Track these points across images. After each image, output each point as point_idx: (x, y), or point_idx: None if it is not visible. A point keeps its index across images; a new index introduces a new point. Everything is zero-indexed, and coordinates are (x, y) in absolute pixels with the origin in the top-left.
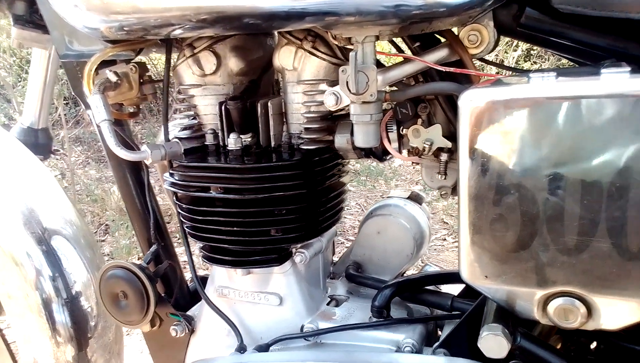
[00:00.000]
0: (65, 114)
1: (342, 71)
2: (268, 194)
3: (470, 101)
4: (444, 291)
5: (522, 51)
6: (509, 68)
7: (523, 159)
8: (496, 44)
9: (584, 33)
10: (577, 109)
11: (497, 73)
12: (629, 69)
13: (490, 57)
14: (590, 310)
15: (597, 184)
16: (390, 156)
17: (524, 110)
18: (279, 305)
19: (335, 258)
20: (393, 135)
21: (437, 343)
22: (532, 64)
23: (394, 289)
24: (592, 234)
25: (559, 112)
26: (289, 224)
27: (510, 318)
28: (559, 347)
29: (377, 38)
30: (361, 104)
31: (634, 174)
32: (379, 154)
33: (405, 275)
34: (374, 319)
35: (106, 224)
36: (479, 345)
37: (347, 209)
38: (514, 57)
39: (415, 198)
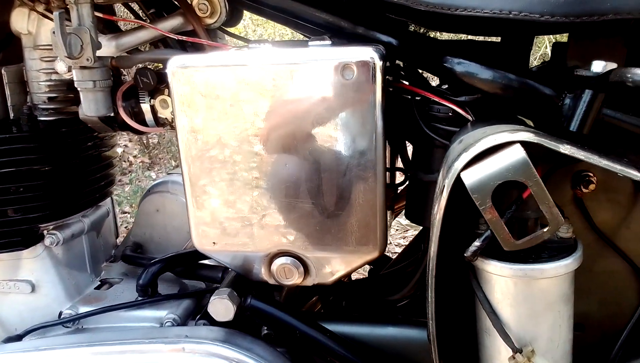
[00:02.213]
0: None
1: (53, 32)
2: None
3: (173, 67)
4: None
5: None
6: (246, 39)
7: (227, 124)
8: (236, 16)
9: (302, 8)
10: (267, 75)
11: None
12: (330, 42)
13: None
14: (306, 267)
15: (294, 149)
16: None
17: (221, 75)
18: (31, 292)
19: None
20: (146, 106)
21: (199, 315)
22: None
23: (161, 266)
24: (295, 196)
25: (252, 78)
26: (29, 203)
27: (245, 283)
28: (319, 307)
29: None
30: (81, 70)
31: (322, 137)
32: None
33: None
34: (140, 298)
35: None
36: (208, 310)
37: None
38: None
39: None
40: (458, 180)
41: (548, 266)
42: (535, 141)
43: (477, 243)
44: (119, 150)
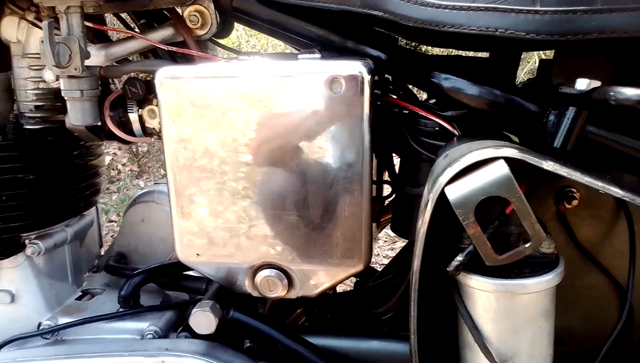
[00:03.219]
0: None
1: (41, 41)
2: None
3: (161, 78)
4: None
5: None
6: (236, 51)
7: (214, 135)
8: (227, 28)
9: (293, 22)
10: (255, 87)
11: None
12: (319, 55)
13: None
14: (290, 279)
15: (280, 160)
16: (150, 138)
17: (209, 87)
18: (11, 302)
19: None
20: (134, 116)
21: (181, 328)
22: None
23: (143, 277)
24: (281, 208)
25: (241, 90)
26: (11, 212)
27: (228, 295)
28: (303, 319)
29: (82, 9)
30: (69, 79)
31: (309, 149)
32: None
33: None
34: (122, 310)
35: None
36: (190, 323)
37: None
38: None
39: None
40: (443, 195)
41: (530, 281)
42: (519, 157)
43: (459, 258)
44: (108, 158)
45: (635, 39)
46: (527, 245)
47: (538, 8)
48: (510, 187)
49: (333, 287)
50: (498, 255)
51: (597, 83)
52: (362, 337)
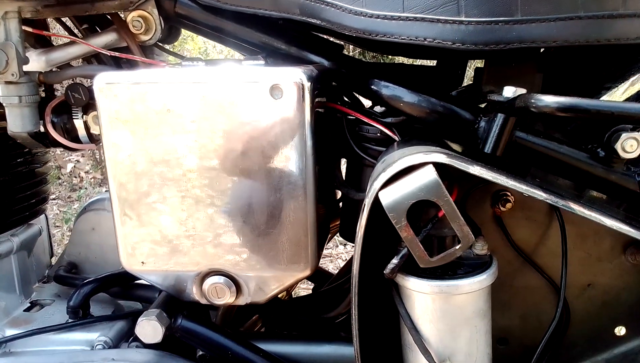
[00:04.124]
0: None
1: None
2: None
3: (100, 83)
4: None
5: None
6: (181, 56)
7: (155, 142)
8: (174, 34)
9: (237, 28)
10: (196, 93)
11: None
12: (263, 62)
13: None
14: (238, 286)
15: (224, 167)
16: (95, 145)
17: (148, 93)
18: None
19: None
20: (79, 122)
21: (132, 337)
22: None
23: (93, 287)
24: (227, 214)
25: (181, 96)
26: None
27: (176, 303)
28: (259, 325)
29: (20, 15)
30: (7, 85)
31: (253, 156)
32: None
33: None
34: (71, 320)
35: None
36: (135, 332)
37: None
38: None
39: None
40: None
41: (463, 282)
42: (447, 162)
43: (395, 261)
44: (70, 165)
45: (564, 48)
46: (457, 247)
47: (463, 18)
48: (439, 191)
49: (281, 293)
50: (431, 257)
51: (522, 91)
52: (313, 342)
